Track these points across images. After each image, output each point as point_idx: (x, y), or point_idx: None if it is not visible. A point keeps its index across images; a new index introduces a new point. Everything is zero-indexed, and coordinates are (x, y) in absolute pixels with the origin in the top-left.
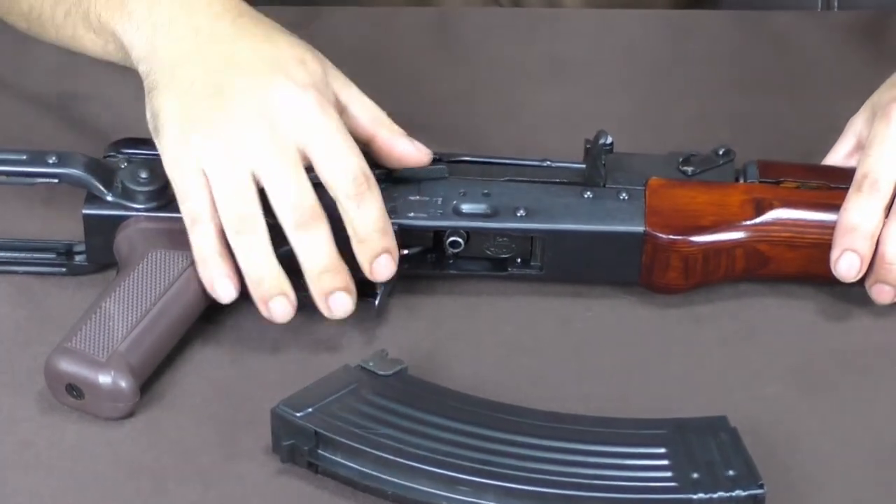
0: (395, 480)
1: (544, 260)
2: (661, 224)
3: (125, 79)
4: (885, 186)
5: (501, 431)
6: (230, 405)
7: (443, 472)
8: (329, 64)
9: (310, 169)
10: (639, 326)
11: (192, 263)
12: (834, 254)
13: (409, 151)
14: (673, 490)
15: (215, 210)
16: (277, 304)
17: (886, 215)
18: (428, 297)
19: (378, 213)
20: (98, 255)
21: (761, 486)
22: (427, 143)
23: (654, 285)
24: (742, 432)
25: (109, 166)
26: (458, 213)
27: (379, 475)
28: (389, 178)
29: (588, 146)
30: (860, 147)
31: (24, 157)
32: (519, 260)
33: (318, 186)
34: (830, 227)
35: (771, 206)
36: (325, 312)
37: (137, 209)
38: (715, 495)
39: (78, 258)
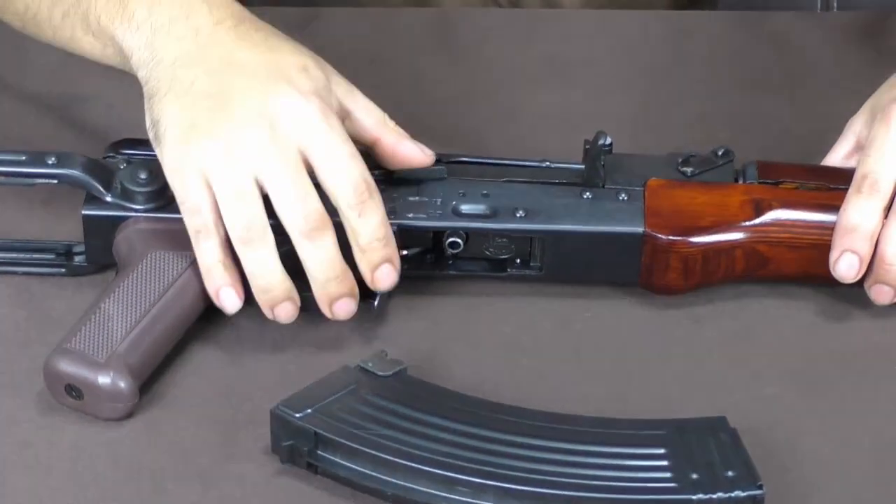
0: (395, 481)
1: (543, 260)
2: (660, 225)
3: (125, 80)
4: (884, 187)
5: (501, 432)
6: (230, 406)
7: (442, 472)
8: (331, 69)
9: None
10: (638, 327)
11: (192, 264)
12: (833, 254)
13: (413, 153)
14: (672, 491)
15: (220, 219)
16: (283, 309)
17: (886, 216)
18: (427, 297)
19: (379, 222)
20: (97, 255)
21: (760, 487)
22: (426, 144)
23: (653, 286)
24: (741, 433)
25: (109, 167)
26: (458, 214)
27: (378, 476)
28: (389, 178)
29: (587, 147)
30: (859, 148)
31: (24, 157)
32: (518, 260)
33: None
34: (830, 228)
35: (770, 207)
36: (328, 315)
37: (137, 210)
38: (714, 496)
39: (77, 259)
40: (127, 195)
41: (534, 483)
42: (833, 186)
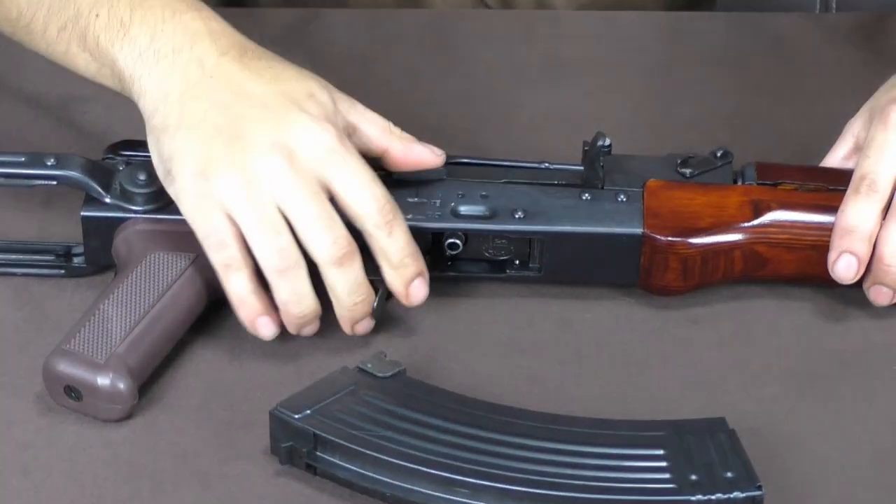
0: (394, 482)
1: (543, 262)
2: (659, 226)
3: None
4: (882, 188)
5: (499, 433)
6: (229, 407)
7: (441, 473)
8: (333, 88)
9: None
10: (637, 328)
11: (191, 265)
12: (831, 255)
13: (424, 155)
14: (671, 492)
15: (247, 251)
16: (311, 328)
17: (884, 217)
18: (426, 298)
19: (407, 239)
20: (96, 256)
21: (759, 488)
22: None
23: (652, 287)
24: (740, 434)
25: (108, 168)
26: (457, 215)
27: (377, 477)
28: (388, 180)
29: (586, 148)
30: (858, 149)
31: (23, 159)
32: (517, 262)
33: None
34: (828, 229)
35: (769, 208)
36: (349, 333)
37: (136, 211)
38: (713, 497)
39: (76, 260)
40: (126, 196)
41: (533, 484)
42: (832, 187)
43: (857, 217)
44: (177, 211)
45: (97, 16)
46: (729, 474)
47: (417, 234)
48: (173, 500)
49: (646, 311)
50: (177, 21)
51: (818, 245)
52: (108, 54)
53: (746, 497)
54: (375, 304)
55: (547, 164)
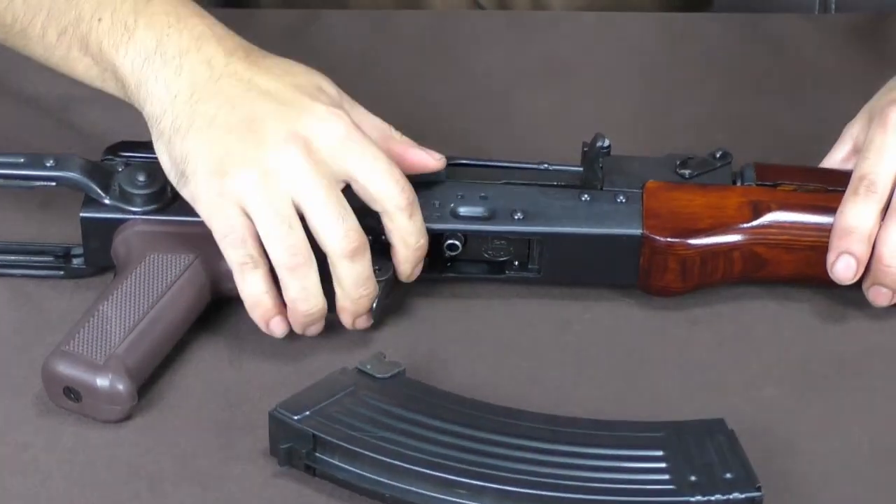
0: (393, 483)
1: (542, 263)
2: (658, 227)
3: None
4: (881, 189)
5: (499, 434)
6: (228, 408)
7: (440, 474)
8: (337, 87)
9: None
10: (636, 329)
11: (190, 266)
12: (830, 256)
13: (423, 160)
14: (670, 493)
15: (262, 251)
16: (317, 326)
17: (883, 217)
18: (425, 299)
19: (423, 221)
20: (96, 258)
21: (758, 489)
22: (425, 146)
23: (651, 288)
24: (739, 434)
25: (107, 169)
26: (456, 216)
27: (376, 478)
28: None
29: (585, 149)
30: (857, 151)
31: (22, 160)
32: (516, 263)
33: None
34: (827, 230)
35: (768, 209)
36: (349, 327)
37: (135, 212)
38: (712, 498)
39: (75, 261)
40: (125, 197)
41: (532, 485)
42: (831, 188)
43: (855, 218)
44: (176, 212)
45: (100, 20)
46: (728, 475)
47: None
48: (172, 501)
49: (645, 311)
50: (182, 25)
51: (817, 246)
52: (111, 59)
53: (746, 498)
54: (375, 304)
55: (546, 165)
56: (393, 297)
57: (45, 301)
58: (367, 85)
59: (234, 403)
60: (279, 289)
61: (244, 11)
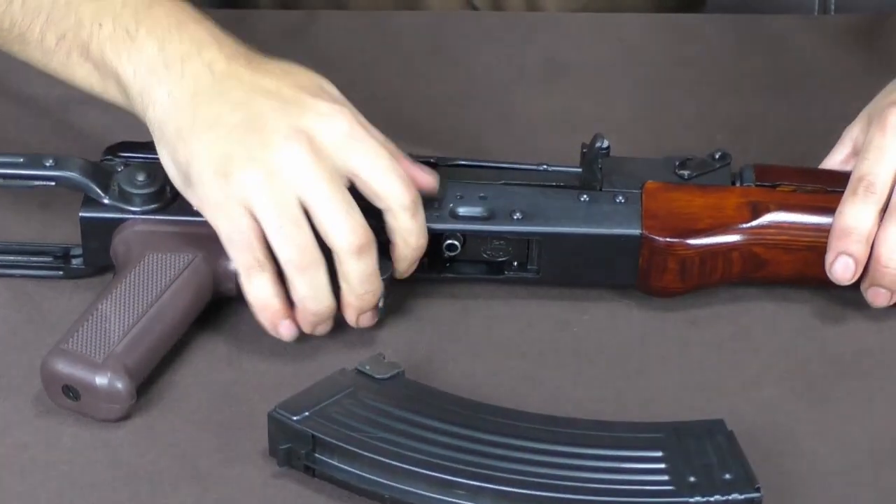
0: (392, 484)
1: (541, 263)
2: (657, 227)
3: None
4: (880, 189)
5: (498, 435)
6: (227, 408)
7: (439, 475)
8: (339, 91)
9: None
10: (635, 329)
11: (189, 266)
12: (829, 257)
13: (418, 175)
14: (670, 493)
15: (269, 253)
16: (326, 326)
17: (882, 218)
18: (424, 300)
19: (424, 221)
20: (95, 258)
21: (758, 490)
22: (424, 147)
23: (650, 288)
24: (739, 435)
25: (106, 169)
26: (455, 217)
27: (376, 479)
28: None
29: (584, 150)
30: (856, 154)
31: (22, 160)
32: (515, 263)
33: None
34: (826, 231)
35: (767, 210)
36: (353, 324)
37: (134, 212)
38: (712, 498)
39: (75, 261)
40: (124, 197)
41: (531, 486)
42: (830, 189)
43: (854, 218)
44: (175, 212)
45: (100, 25)
46: (727, 476)
47: None
48: (171, 501)
49: (644, 312)
50: (183, 31)
51: (816, 246)
52: (112, 65)
53: (745, 499)
54: (381, 303)
55: (545, 166)
56: (392, 297)
57: (45, 301)
58: (365, 85)
59: (234, 403)
60: (285, 290)
61: (242, 12)
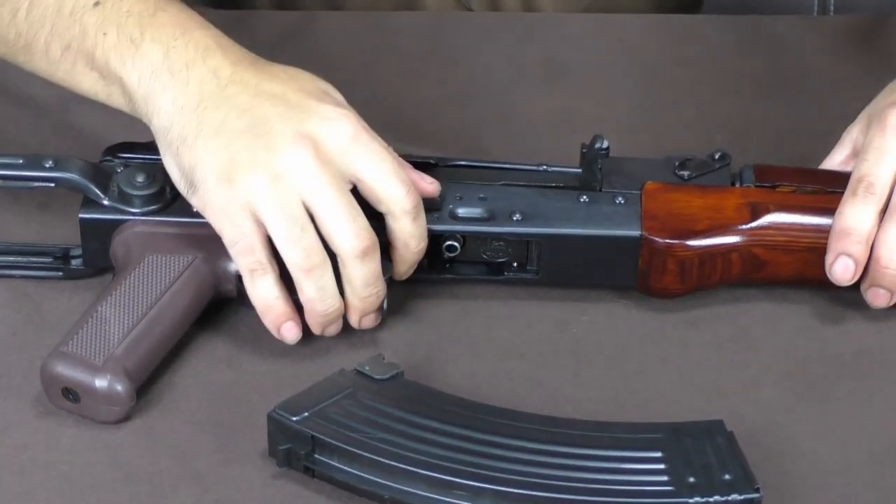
0: (392, 484)
1: (540, 264)
2: (657, 228)
3: None
4: (880, 190)
5: (497, 435)
6: (227, 409)
7: (439, 475)
8: (342, 97)
9: None
10: (635, 330)
11: (189, 267)
12: (829, 258)
13: (418, 182)
14: (669, 494)
15: (272, 253)
16: (335, 327)
17: (881, 219)
18: (424, 301)
19: (425, 224)
20: (94, 259)
21: (757, 490)
22: (423, 147)
23: (650, 289)
24: (738, 436)
25: (106, 170)
26: (454, 218)
27: (375, 479)
28: None
29: (584, 150)
30: (856, 155)
31: (21, 161)
32: (515, 264)
33: None
34: (826, 231)
35: (767, 211)
36: (356, 326)
37: (134, 213)
38: (711, 499)
39: (74, 262)
40: (124, 199)
41: (530, 486)
42: (829, 190)
43: (854, 219)
44: (175, 213)
45: (105, 34)
46: (727, 476)
47: None
48: (171, 502)
49: (644, 313)
50: (187, 38)
51: (816, 247)
52: (117, 73)
53: (744, 499)
54: (385, 304)
55: (545, 167)
56: (391, 298)
57: (44, 302)
58: (364, 86)
59: (233, 404)
60: (290, 292)
61: (242, 13)
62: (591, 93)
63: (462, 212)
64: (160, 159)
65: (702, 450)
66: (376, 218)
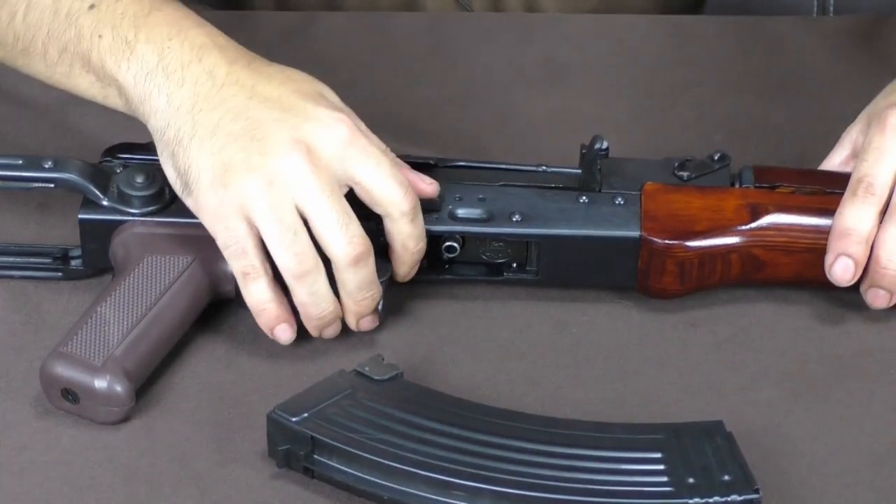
0: (391, 485)
1: (540, 265)
2: (656, 229)
3: None
4: (879, 190)
5: (496, 436)
6: (226, 410)
7: (438, 476)
8: (339, 99)
9: None
10: (634, 331)
11: (188, 268)
12: (829, 258)
13: (417, 183)
14: (668, 495)
15: (266, 256)
16: (333, 329)
17: (881, 220)
18: (423, 301)
19: (423, 225)
20: (94, 259)
21: (757, 491)
22: (423, 148)
23: (649, 290)
24: (737, 437)
25: (105, 171)
26: (454, 218)
27: (374, 480)
28: None
29: (584, 151)
30: (855, 155)
31: (21, 161)
32: (514, 265)
33: None
34: (825, 232)
35: (766, 211)
36: (354, 329)
37: (133, 214)
38: (711, 500)
39: (74, 263)
40: (123, 199)
41: (529, 487)
42: (829, 191)
43: (854, 219)
44: (174, 214)
45: (100, 37)
46: (726, 477)
47: None
48: (170, 503)
49: (643, 314)
50: (183, 37)
51: (815, 248)
52: (113, 75)
53: (744, 500)
54: (381, 306)
55: (544, 167)
56: (391, 299)
57: (44, 303)
58: (364, 87)
59: (233, 405)
60: (287, 293)
61: (240, 14)
62: (591, 93)
63: (461, 212)
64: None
65: (701, 450)
66: (374, 218)
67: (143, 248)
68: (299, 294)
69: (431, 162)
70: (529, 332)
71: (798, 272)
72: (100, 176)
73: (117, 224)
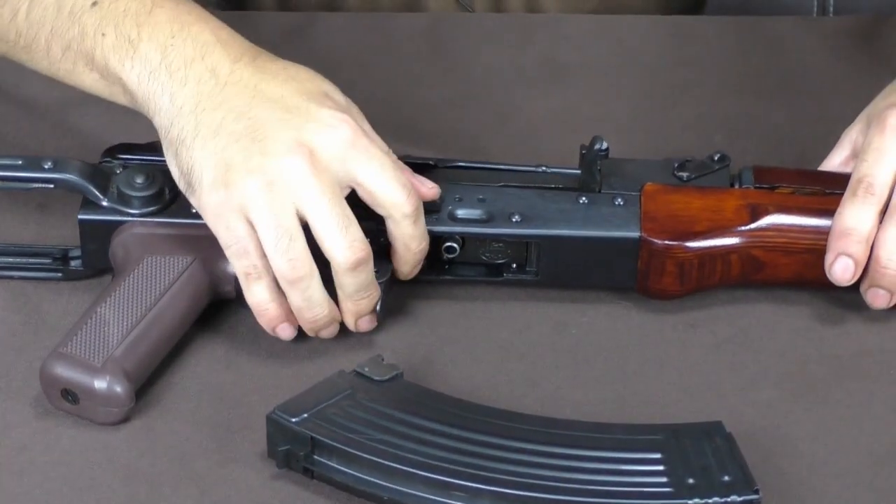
0: (391, 486)
1: (539, 265)
2: (656, 229)
3: None
4: (879, 191)
5: (496, 437)
6: (226, 410)
7: (438, 477)
8: (345, 96)
9: None
10: (634, 331)
11: (188, 268)
12: (829, 258)
13: (417, 187)
14: (668, 495)
15: (267, 259)
16: (330, 330)
17: (881, 220)
18: (423, 302)
19: (425, 226)
20: (94, 260)
21: (756, 492)
22: (423, 149)
23: (649, 291)
24: (737, 437)
25: (105, 172)
26: (454, 219)
27: (374, 480)
28: None
29: (583, 152)
30: (855, 156)
31: (20, 162)
32: (514, 265)
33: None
34: (825, 233)
35: (766, 212)
36: (352, 329)
37: (133, 214)
38: (710, 500)
39: (73, 263)
40: (123, 200)
41: (529, 488)
42: (829, 191)
43: (854, 219)
44: (174, 214)
45: (103, 35)
46: (726, 478)
47: None
48: (170, 503)
49: (643, 314)
50: (185, 34)
51: (815, 248)
52: (117, 74)
53: (744, 501)
54: (378, 306)
55: (544, 168)
56: (391, 299)
57: (44, 303)
58: (364, 87)
59: (232, 406)
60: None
61: (241, 14)
62: (591, 94)
63: (461, 213)
64: (159, 160)
65: (701, 451)
66: (374, 218)
67: (143, 249)
68: (293, 298)
69: (431, 162)
70: (529, 332)
71: (798, 273)
72: (99, 176)
73: (117, 224)
